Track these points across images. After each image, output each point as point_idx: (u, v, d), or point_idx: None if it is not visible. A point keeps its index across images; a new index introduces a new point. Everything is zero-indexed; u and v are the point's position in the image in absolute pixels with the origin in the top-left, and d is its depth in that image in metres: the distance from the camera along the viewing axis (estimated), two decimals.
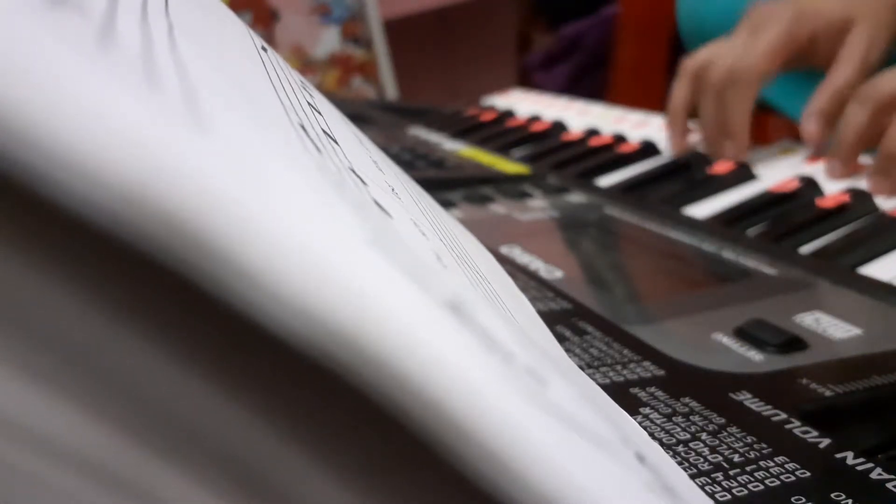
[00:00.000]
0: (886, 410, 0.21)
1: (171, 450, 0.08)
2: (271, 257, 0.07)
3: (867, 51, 0.42)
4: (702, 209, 0.39)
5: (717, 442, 0.17)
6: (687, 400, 0.19)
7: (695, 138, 0.48)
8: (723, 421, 0.18)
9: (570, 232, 0.37)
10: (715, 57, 0.45)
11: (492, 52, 1.20)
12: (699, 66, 0.46)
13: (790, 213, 0.37)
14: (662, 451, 0.15)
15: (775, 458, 0.17)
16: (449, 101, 0.74)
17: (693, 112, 0.47)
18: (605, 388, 0.19)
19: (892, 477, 0.16)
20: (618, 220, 0.38)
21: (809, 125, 0.42)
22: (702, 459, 0.17)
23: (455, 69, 1.16)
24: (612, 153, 0.49)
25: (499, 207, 0.39)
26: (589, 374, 0.20)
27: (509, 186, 0.44)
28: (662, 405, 0.19)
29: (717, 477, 0.16)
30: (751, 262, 0.32)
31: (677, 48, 0.92)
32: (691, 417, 0.18)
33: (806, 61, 0.44)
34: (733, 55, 0.43)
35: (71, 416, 0.07)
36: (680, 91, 0.47)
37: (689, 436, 0.18)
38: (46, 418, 0.07)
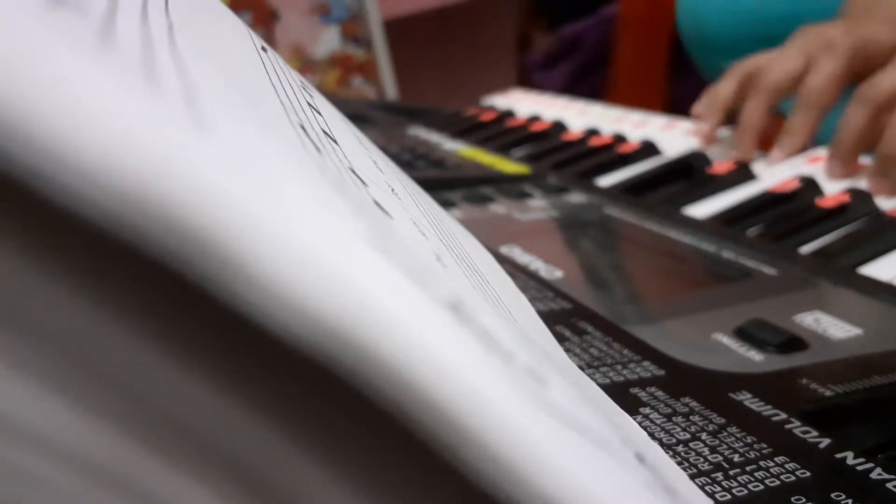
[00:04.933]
0: (886, 410, 0.21)
1: (171, 450, 0.08)
2: (271, 257, 0.07)
3: None
4: (702, 209, 0.39)
5: (717, 442, 0.17)
6: (687, 400, 0.19)
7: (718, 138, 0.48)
8: (723, 421, 0.18)
9: (570, 232, 0.37)
10: (770, 65, 0.46)
11: (492, 52, 1.20)
12: (752, 70, 0.46)
13: (790, 213, 0.37)
14: (662, 451, 0.15)
15: (775, 458, 0.17)
16: (449, 101, 0.74)
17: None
18: (605, 388, 0.19)
19: (892, 477, 0.16)
20: (618, 220, 0.38)
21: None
22: (702, 459, 0.17)
23: (455, 69, 1.16)
24: (612, 153, 0.49)
25: (499, 207, 0.39)
26: (589, 374, 0.20)
27: (509, 186, 0.44)
28: (662, 405, 0.19)
29: (717, 477, 0.16)
30: (751, 262, 0.32)
31: (677, 48, 0.92)
32: (691, 417, 0.18)
33: (859, 81, 0.45)
34: (796, 71, 0.44)
35: (71, 416, 0.07)
36: (727, 87, 0.47)
37: (689, 436, 0.18)
38: (46, 418, 0.07)
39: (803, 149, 0.45)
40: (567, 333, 0.23)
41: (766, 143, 0.47)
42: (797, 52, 0.46)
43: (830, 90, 0.44)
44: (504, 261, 0.29)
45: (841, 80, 0.44)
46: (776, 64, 0.46)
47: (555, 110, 0.62)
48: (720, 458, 0.17)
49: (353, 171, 0.13)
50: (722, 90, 0.48)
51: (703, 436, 0.18)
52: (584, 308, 0.25)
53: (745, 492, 0.16)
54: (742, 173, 0.42)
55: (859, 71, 0.44)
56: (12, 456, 0.07)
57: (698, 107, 0.50)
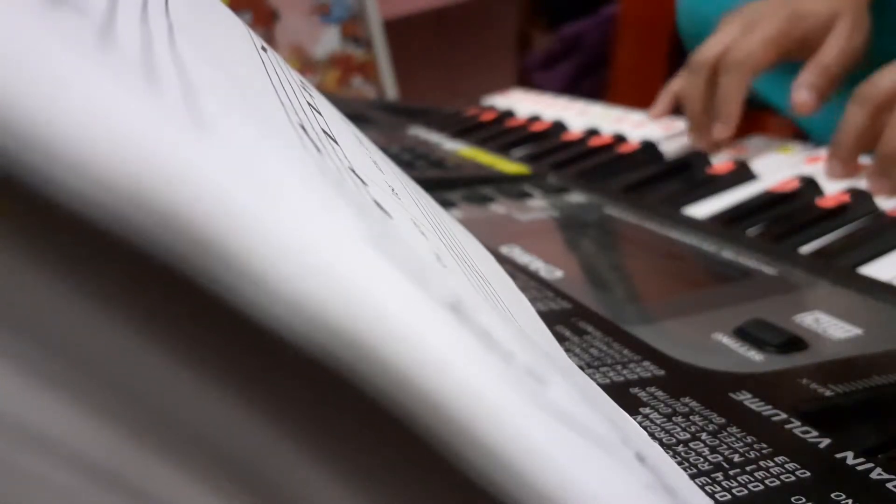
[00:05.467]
0: (886, 410, 0.21)
1: (171, 449, 0.08)
2: (272, 257, 0.07)
3: (850, 36, 0.45)
4: (702, 209, 0.39)
5: (717, 442, 0.17)
6: (687, 400, 0.19)
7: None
8: (723, 421, 0.18)
9: (570, 232, 0.37)
10: (705, 42, 0.48)
11: (492, 52, 1.20)
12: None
13: (790, 213, 0.37)
14: (662, 451, 0.15)
15: (775, 458, 0.17)
16: (449, 101, 0.74)
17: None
18: (605, 388, 0.19)
19: (892, 477, 0.16)
20: (618, 220, 0.38)
21: (799, 94, 0.45)
22: (702, 459, 0.17)
23: (455, 69, 1.16)
24: (612, 153, 0.49)
25: (499, 207, 0.39)
26: (589, 374, 0.20)
27: (509, 186, 0.44)
28: (662, 405, 0.19)
29: (717, 477, 0.16)
30: (751, 262, 0.32)
31: (677, 48, 0.92)
32: (691, 417, 0.18)
33: (797, 55, 0.47)
34: (729, 42, 0.46)
35: (71, 416, 0.07)
36: (678, 80, 0.50)
37: (689, 436, 0.18)
38: (47, 418, 0.07)
39: (740, 114, 0.45)
40: (567, 333, 0.23)
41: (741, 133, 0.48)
42: (730, 27, 0.47)
43: (759, 52, 0.45)
44: (504, 261, 0.29)
45: (772, 44, 0.45)
46: (710, 40, 0.47)
47: (555, 110, 0.62)
48: (720, 458, 0.17)
49: (353, 171, 0.13)
50: (673, 83, 0.51)
51: (703, 436, 0.18)
52: (584, 308, 0.25)
53: (745, 492, 0.16)
54: (742, 173, 0.42)
55: (794, 41, 0.46)
56: (12, 456, 0.07)
57: (662, 107, 0.53)
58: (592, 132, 0.54)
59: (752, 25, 0.46)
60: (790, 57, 0.46)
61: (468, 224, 0.28)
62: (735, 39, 0.45)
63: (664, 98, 0.53)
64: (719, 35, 0.47)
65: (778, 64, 0.46)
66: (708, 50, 0.47)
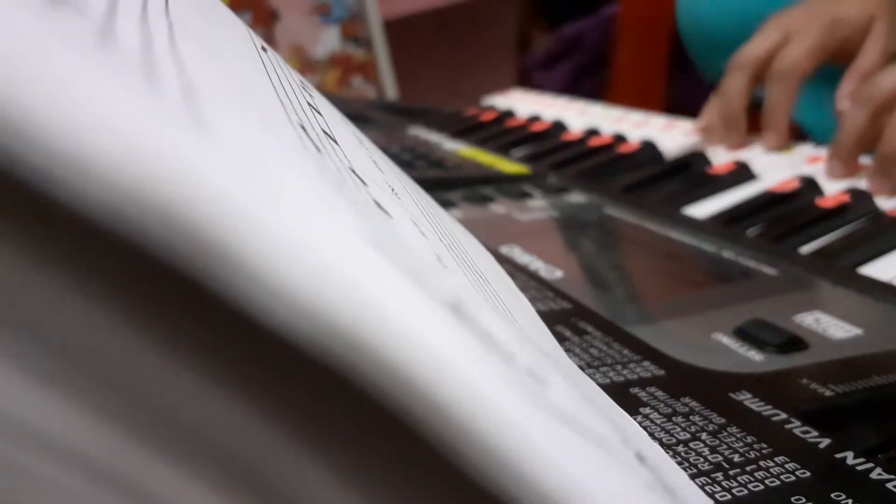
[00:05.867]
0: (886, 410, 0.21)
1: (171, 449, 0.08)
2: (272, 256, 0.07)
3: (887, 40, 0.47)
4: (702, 209, 0.39)
5: (717, 442, 0.17)
6: (687, 400, 0.19)
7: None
8: (723, 421, 0.18)
9: (570, 232, 0.37)
10: (747, 45, 0.48)
11: (492, 52, 1.20)
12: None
13: (790, 213, 0.37)
14: (662, 451, 0.15)
15: (775, 458, 0.17)
16: (449, 101, 0.74)
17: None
18: (605, 388, 0.19)
19: (892, 477, 0.16)
20: (618, 220, 0.38)
21: (844, 104, 0.45)
22: (702, 459, 0.17)
23: (455, 69, 1.16)
24: (612, 153, 0.49)
25: (499, 207, 0.39)
26: (589, 374, 0.20)
27: (509, 186, 0.44)
28: (662, 405, 0.19)
29: (717, 477, 0.16)
30: (751, 262, 0.32)
31: (677, 48, 0.92)
32: (691, 417, 0.18)
33: (833, 60, 0.48)
34: (770, 47, 0.47)
35: (71, 415, 0.07)
36: (729, 85, 0.49)
37: (689, 436, 0.18)
38: (46, 418, 0.07)
39: (789, 125, 0.46)
40: (567, 333, 0.23)
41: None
42: (773, 31, 0.48)
43: (804, 62, 0.45)
44: (504, 261, 0.29)
45: (815, 53, 0.46)
46: (753, 42, 0.48)
47: (555, 110, 0.62)
48: (720, 458, 0.17)
49: (353, 171, 0.13)
50: (728, 98, 0.48)
51: (703, 436, 0.18)
52: (584, 308, 0.25)
53: (745, 492, 0.16)
54: (742, 173, 0.42)
55: (835, 48, 0.46)
56: (12, 456, 0.07)
57: (710, 117, 0.50)
58: (592, 132, 0.54)
59: (791, 34, 0.46)
60: (828, 62, 0.47)
61: (468, 224, 0.28)
62: (777, 46, 0.46)
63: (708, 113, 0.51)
64: (759, 38, 0.48)
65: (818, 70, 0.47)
66: (749, 52, 0.47)
